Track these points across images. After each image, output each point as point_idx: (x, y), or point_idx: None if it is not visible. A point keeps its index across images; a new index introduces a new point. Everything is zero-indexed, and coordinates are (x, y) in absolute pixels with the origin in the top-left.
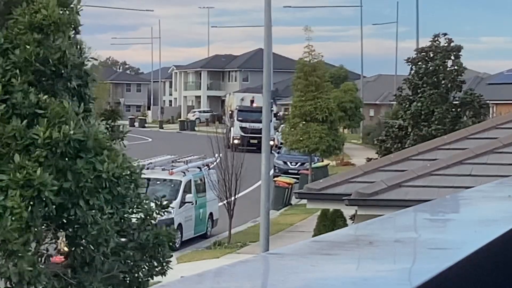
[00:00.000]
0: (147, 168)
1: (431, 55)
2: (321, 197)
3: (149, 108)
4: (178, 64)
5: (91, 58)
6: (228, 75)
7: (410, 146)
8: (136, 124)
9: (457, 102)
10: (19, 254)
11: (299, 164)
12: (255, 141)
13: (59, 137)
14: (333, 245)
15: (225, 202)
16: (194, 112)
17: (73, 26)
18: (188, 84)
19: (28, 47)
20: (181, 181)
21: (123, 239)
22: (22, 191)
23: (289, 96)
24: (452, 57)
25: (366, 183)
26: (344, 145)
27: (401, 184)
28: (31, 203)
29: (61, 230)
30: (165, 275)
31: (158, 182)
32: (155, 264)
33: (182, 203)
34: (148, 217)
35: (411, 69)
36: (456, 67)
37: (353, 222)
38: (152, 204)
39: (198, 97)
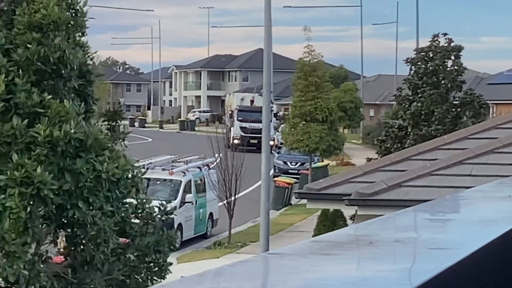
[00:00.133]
0: (147, 168)
1: (431, 55)
2: (321, 197)
3: (149, 108)
4: (178, 64)
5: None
6: (228, 75)
7: (410, 146)
8: (136, 124)
9: (457, 102)
10: (16, 255)
11: (299, 164)
12: (255, 141)
13: (60, 135)
14: (333, 245)
15: (225, 202)
16: (194, 112)
17: (78, 28)
18: (188, 84)
19: (29, 46)
20: (181, 181)
21: (122, 239)
22: (21, 189)
23: (289, 96)
24: (452, 57)
25: (366, 183)
26: (344, 145)
27: (401, 184)
28: (31, 202)
29: (61, 230)
30: (164, 279)
31: (158, 182)
32: (155, 269)
33: (182, 203)
34: (150, 221)
35: (411, 69)
36: (456, 67)
37: (353, 222)
38: (156, 209)
39: (198, 97)
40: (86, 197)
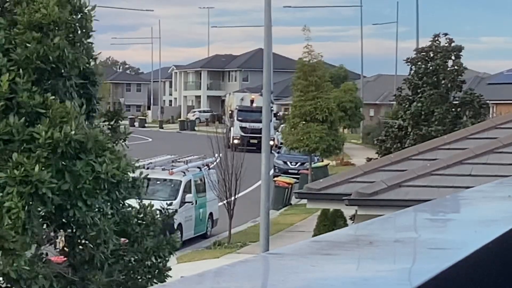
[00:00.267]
0: (147, 168)
1: (431, 55)
2: (321, 197)
3: (149, 108)
4: (178, 64)
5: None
6: (228, 75)
7: (410, 146)
8: (136, 124)
9: (457, 102)
10: (17, 252)
11: (299, 164)
12: (255, 141)
13: (60, 137)
14: (333, 245)
15: (225, 202)
16: (194, 112)
17: (84, 30)
18: (188, 84)
19: (28, 45)
20: (181, 181)
21: (122, 239)
22: (20, 188)
23: (289, 96)
24: (453, 57)
25: (366, 183)
26: (344, 145)
27: (401, 184)
28: (30, 202)
29: (61, 231)
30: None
31: (158, 182)
32: (155, 273)
33: (182, 203)
34: (152, 224)
35: (411, 69)
36: (456, 67)
37: (353, 222)
38: (157, 212)
39: (198, 97)
40: (84, 199)
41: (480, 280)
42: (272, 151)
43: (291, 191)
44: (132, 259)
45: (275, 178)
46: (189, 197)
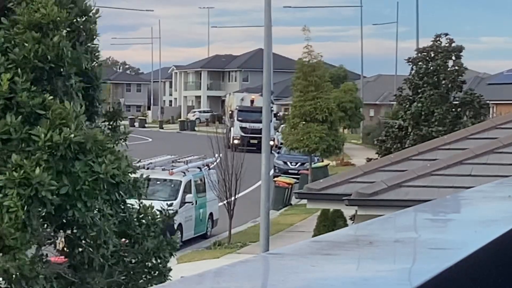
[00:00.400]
0: (147, 168)
1: (432, 55)
2: (321, 197)
3: (149, 108)
4: (178, 64)
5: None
6: (228, 75)
7: (410, 146)
8: (136, 124)
9: (457, 102)
10: (17, 248)
11: (299, 164)
12: (255, 141)
13: (60, 140)
14: (333, 245)
15: (225, 202)
16: (194, 112)
17: (88, 32)
18: (188, 84)
19: (26, 44)
20: (181, 181)
21: (123, 239)
22: (20, 190)
23: (289, 96)
24: (453, 57)
25: (366, 183)
26: (344, 145)
27: (401, 184)
28: (30, 202)
29: (61, 231)
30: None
31: (158, 182)
32: (156, 274)
33: (182, 203)
34: (153, 225)
35: (412, 69)
36: (456, 68)
37: (353, 222)
38: (158, 213)
39: (198, 97)
40: (84, 200)
41: (480, 280)
42: (272, 151)
43: (291, 191)
44: (133, 260)
45: (275, 178)
46: (189, 197)
